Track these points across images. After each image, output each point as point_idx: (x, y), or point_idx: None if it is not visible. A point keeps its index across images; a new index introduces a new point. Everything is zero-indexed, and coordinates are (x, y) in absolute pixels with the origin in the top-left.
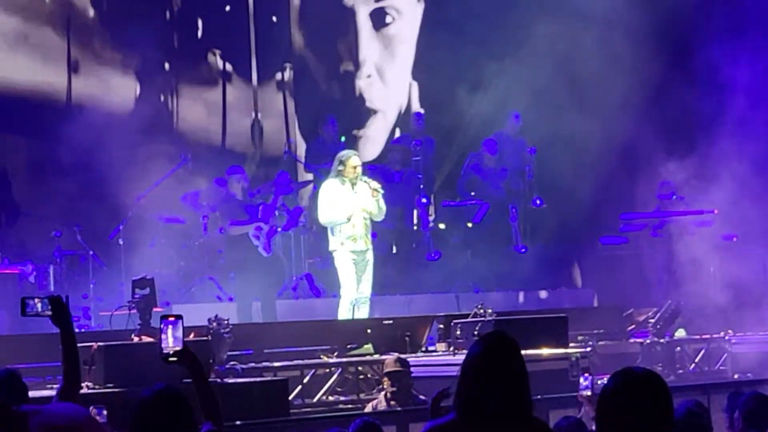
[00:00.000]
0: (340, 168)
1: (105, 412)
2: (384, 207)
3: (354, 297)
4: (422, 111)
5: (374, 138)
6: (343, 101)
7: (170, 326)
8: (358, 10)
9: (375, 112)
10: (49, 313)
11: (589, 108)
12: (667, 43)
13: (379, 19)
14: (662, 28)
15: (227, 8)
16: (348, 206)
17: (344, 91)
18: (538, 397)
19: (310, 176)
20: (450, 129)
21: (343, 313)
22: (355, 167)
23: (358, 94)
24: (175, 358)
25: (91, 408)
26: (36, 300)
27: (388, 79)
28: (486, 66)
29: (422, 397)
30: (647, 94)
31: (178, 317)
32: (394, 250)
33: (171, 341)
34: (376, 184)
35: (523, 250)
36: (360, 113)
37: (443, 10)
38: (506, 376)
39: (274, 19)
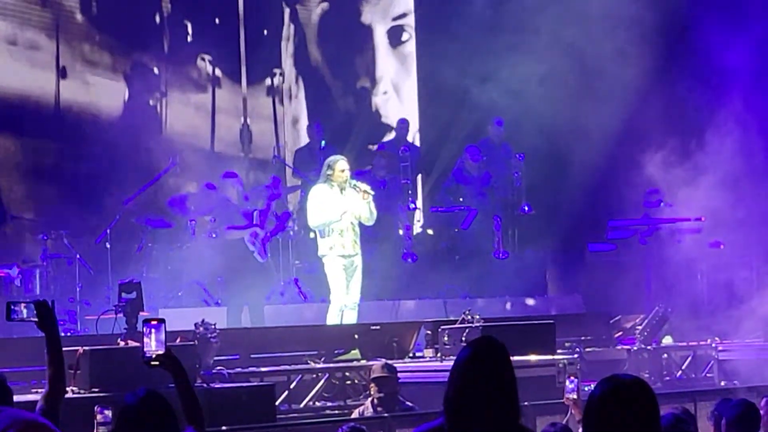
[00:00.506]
0: (329, 173)
1: (107, 413)
2: (375, 211)
3: (343, 302)
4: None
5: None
6: (360, 116)
7: (153, 330)
8: (376, 28)
9: (391, 128)
10: (35, 318)
11: (577, 114)
12: (659, 46)
13: (395, 36)
14: (653, 31)
15: (216, 21)
16: (338, 210)
17: (360, 107)
18: (526, 403)
19: (298, 181)
20: (440, 135)
21: (332, 319)
22: (343, 171)
23: (374, 110)
24: (157, 362)
25: (96, 407)
26: (22, 305)
27: (403, 95)
28: (475, 72)
29: (409, 403)
30: (637, 98)
31: (161, 321)
32: (381, 256)
33: (154, 345)
34: (366, 186)
35: (503, 256)
36: (376, 129)
37: (437, 15)
38: (495, 381)
39: (264, 25)
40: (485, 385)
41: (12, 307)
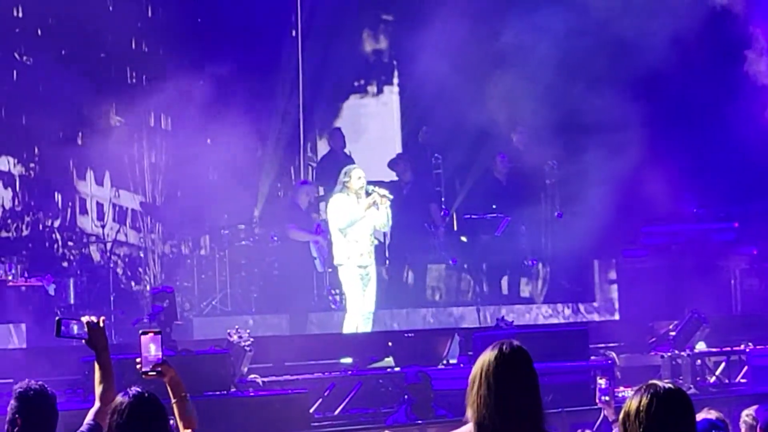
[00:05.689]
0: (345, 180)
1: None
2: (391, 217)
3: (359, 311)
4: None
5: None
6: None
7: (150, 341)
8: None
9: None
10: (86, 336)
11: (609, 120)
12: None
13: None
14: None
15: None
16: (358, 213)
17: None
18: (559, 410)
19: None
20: (474, 142)
21: (349, 327)
22: (359, 178)
23: None
24: (153, 373)
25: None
26: (72, 322)
27: None
28: (505, 77)
29: (442, 410)
30: (669, 103)
31: (158, 333)
32: (411, 263)
33: (151, 355)
34: (384, 191)
35: (533, 263)
36: None
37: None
38: (515, 383)
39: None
40: (505, 387)
41: (62, 322)
